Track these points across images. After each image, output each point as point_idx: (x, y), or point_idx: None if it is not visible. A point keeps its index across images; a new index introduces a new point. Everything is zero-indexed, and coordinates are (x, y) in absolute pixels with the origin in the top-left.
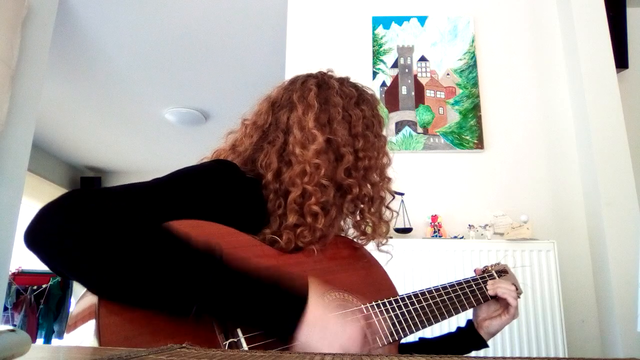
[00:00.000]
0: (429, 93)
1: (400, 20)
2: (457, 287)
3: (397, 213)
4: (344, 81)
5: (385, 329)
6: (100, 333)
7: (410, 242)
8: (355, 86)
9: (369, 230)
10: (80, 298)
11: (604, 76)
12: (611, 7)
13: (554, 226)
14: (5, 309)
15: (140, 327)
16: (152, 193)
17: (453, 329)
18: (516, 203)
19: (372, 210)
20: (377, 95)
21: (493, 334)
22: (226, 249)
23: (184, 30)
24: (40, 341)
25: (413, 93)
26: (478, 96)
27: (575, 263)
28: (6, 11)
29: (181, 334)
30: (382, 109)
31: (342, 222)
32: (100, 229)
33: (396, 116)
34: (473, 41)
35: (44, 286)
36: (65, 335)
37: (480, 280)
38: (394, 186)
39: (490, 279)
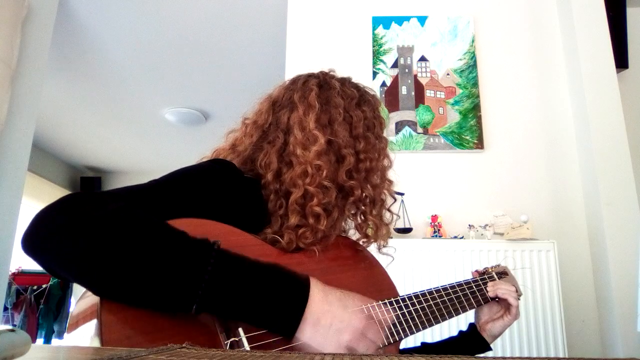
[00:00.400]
0: (429, 93)
1: (400, 20)
2: (457, 289)
3: (399, 216)
4: (345, 81)
5: (386, 329)
6: (101, 333)
7: (410, 242)
8: (356, 87)
9: (370, 232)
10: (81, 298)
11: (604, 76)
12: (611, 7)
13: (554, 226)
14: (5, 309)
15: (141, 327)
16: (149, 194)
17: (454, 333)
18: (516, 203)
19: (374, 212)
20: (378, 95)
21: (496, 336)
22: (228, 248)
23: (184, 31)
24: (40, 341)
25: (413, 93)
26: (478, 96)
27: (575, 263)
28: (6, 11)
29: (183, 334)
30: (384, 111)
31: (343, 223)
32: (98, 230)
33: (396, 116)
34: (473, 41)
35: (44, 286)
36: (66, 335)
37: (480, 282)
38: (394, 186)
39: (490, 281)
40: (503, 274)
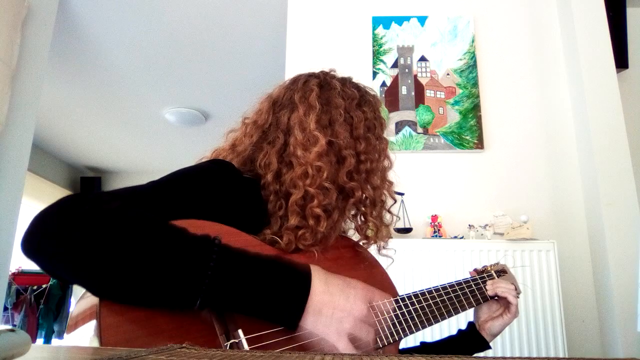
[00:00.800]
0: (429, 93)
1: (400, 20)
2: (457, 288)
3: (399, 217)
4: (346, 82)
5: (386, 329)
6: (101, 334)
7: (410, 242)
8: (357, 87)
9: (370, 233)
10: (81, 298)
11: (604, 76)
12: (611, 7)
13: (554, 226)
14: (5, 309)
15: (141, 328)
16: (149, 194)
17: (454, 332)
18: (516, 203)
19: (374, 213)
20: (378, 95)
21: (495, 335)
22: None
23: (184, 30)
24: (40, 341)
25: (413, 93)
26: (478, 96)
27: (575, 263)
28: (6, 11)
29: (182, 335)
30: (384, 111)
31: (343, 225)
32: (97, 230)
33: (396, 116)
34: (473, 41)
35: (44, 286)
36: (66, 335)
37: (479, 280)
38: (394, 187)
39: (489, 279)
40: (502, 272)
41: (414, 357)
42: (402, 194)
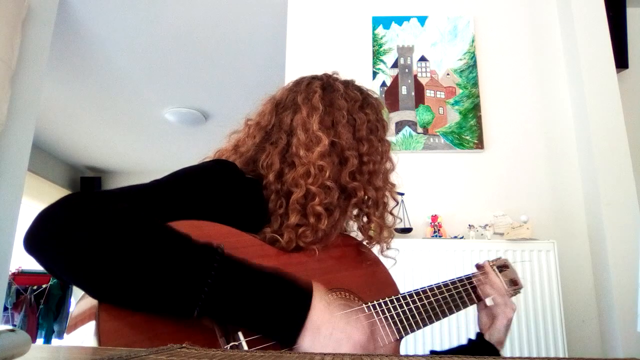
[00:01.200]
0: (429, 93)
1: (400, 20)
2: (458, 284)
3: (400, 219)
4: (349, 84)
5: (387, 327)
6: (99, 335)
7: (410, 242)
8: (360, 89)
9: (372, 234)
10: (81, 299)
11: (604, 76)
12: (611, 7)
13: (554, 226)
14: (5, 309)
15: (140, 332)
16: (150, 194)
17: (463, 340)
18: (516, 203)
19: (377, 214)
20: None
21: (501, 341)
22: (227, 249)
23: (184, 30)
24: (40, 341)
25: (413, 93)
26: (478, 96)
27: (575, 263)
28: (6, 11)
29: (182, 339)
30: (387, 114)
31: (344, 224)
32: (100, 231)
33: (396, 116)
34: (473, 41)
35: (44, 286)
36: (66, 335)
37: (473, 279)
38: (396, 188)
39: (475, 279)
40: (504, 266)
41: (414, 357)
42: (402, 194)
